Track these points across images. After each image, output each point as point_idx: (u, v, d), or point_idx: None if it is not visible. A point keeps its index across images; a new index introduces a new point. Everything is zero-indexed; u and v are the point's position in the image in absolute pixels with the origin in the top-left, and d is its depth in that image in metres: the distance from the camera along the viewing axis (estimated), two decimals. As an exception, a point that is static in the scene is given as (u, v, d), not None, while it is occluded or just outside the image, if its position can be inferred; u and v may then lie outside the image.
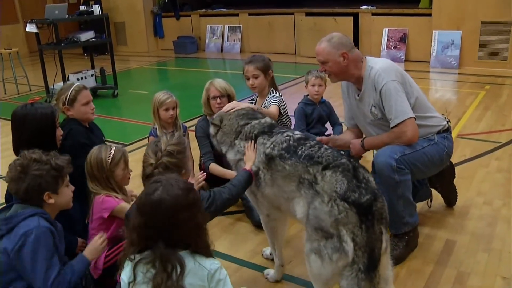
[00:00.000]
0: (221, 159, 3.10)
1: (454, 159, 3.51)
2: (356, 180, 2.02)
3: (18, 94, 8.05)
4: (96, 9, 7.59)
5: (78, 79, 7.18)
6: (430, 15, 8.50)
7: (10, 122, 2.63)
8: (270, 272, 2.68)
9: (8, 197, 2.56)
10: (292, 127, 3.84)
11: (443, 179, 3.24)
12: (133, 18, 12.22)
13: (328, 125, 4.20)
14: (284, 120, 3.47)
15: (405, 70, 2.89)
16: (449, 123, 2.96)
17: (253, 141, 2.39)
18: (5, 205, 2.20)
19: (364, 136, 3.03)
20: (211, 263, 1.71)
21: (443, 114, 2.99)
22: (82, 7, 7.79)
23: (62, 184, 2.13)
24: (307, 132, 4.00)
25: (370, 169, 2.87)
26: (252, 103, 3.48)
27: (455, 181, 3.34)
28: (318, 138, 2.85)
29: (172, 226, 1.64)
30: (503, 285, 2.53)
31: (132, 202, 2.36)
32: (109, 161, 2.51)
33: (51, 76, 7.12)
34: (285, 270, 2.69)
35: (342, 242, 1.93)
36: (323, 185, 2.04)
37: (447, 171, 3.21)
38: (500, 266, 2.69)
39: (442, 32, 8.29)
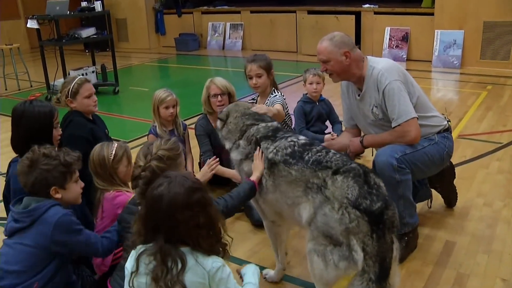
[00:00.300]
0: (221, 158, 3.08)
1: (454, 160, 3.50)
2: (367, 186, 1.97)
3: (19, 90, 8.04)
4: (98, 5, 7.59)
5: (78, 76, 7.16)
6: (432, 14, 8.48)
7: (10, 118, 2.63)
8: (269, 272, 2.67)
9: (6, 193, 2.56)
10: (293, 126, 3.83)
11: (443, 179, 3.22)
12: (135, 15, 12.20)
13: (328, 123, 4.19)
14: (286, 120, 3.47)
15: (407, 70, 2.88)
16: (449, 122, 2.95)
17: (261, 150, 2.32)
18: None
19: (363, 134, 3.01)
20: (213, 262, 1.70)
21: (443, 114, 2.98)
22: (84, 3, 7.77)
23: (70, 180, 2.17)
24: (307, 130, 4.00)
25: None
26: (252, 102, 3.47)
27: (455, 181, 3.33)
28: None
29: (170, 223, 1.64)
30: (503, 287, 2.52)
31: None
32: (111, 158, 2.51)
33: (52, 72, 7.11)
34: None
35: (352, 251, 1.88)
36: (334, 190, 1.98)
37: (447, 171, 3.19)
38: (500, 267, 2.68)
39: (444, 31, 8.27)
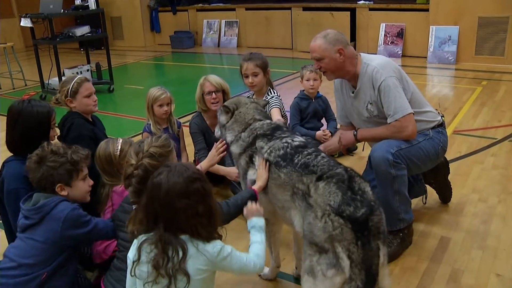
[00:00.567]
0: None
1: (449, 156, 3.50)
2: (351, 191, 1.90)
3: (14, 89, 8.00)
4: (92, 3, 7.54)
5: (73, 74, 7.14)
6: (427, 10, 8.49)
7: (5, 118, 2.60)
8: (265, 270, 2.66)
9: (0, 194, 2.53)
10: (288, 122, 3.83)
11: (437, 174, 3.23)
12: (129, 13, 12.15)
13: (324, 121, 4.19)
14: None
15: (402, 66, 2.89)
16: (443, 118, 2.96)
17: (265, 159, 2.27)
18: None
19: (357, 128, 3.00)
20: (213, 246, 1.74)
21: (436, 109, 2.99)
22: (78, 2, 7.72)
23: (76, 178, 2.21)
24: (302, 126, 3.99)
25: (366, 165, 2.87)
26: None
27: (450, 177, 3.33)
28: None
29: (169, 212, 1.67)
30: (497, 282, 2.53)
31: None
32: (118, 154, 2.51)
33: (47, 71, 7.08)
34: (278, 267, 2.67)
35: (338, 258, 1.83)
36: (316, 198, 1.94)
37: (442, 167, 3.20)
38: (495, 263, 2.68)
39: (439, 27, 8.27)
